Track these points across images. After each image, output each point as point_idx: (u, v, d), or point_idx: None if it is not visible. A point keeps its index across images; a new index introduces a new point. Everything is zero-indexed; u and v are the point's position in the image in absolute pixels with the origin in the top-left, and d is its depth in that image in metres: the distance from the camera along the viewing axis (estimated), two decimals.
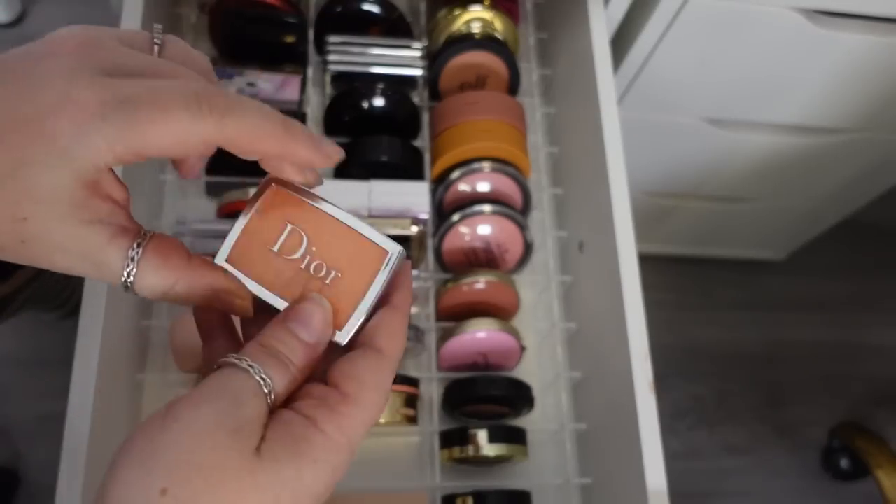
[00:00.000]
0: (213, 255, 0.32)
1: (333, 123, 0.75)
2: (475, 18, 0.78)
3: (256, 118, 0.28)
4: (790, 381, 1.42)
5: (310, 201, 0.32)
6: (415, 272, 0.73)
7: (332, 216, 0.32)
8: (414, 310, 0.72)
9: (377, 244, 0.31)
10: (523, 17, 0.86)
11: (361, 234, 0.32)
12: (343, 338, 0.31)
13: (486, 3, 0.78)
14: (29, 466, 1.13)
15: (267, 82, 0.74)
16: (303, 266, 0.31)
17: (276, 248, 0.31)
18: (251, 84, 0.74)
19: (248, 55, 0.75)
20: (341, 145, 0.79)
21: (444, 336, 0.70)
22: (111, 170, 0.29)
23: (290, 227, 0.32)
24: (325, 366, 0.30)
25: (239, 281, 0.31)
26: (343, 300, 0.31)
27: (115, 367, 0.60)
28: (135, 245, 0.29)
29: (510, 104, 0.75)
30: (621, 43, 0.86)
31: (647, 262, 0.75)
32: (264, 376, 0.27)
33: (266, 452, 0.26)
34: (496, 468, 0.70)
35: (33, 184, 0.27)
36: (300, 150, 0.30)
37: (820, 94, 0.93)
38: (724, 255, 1.46)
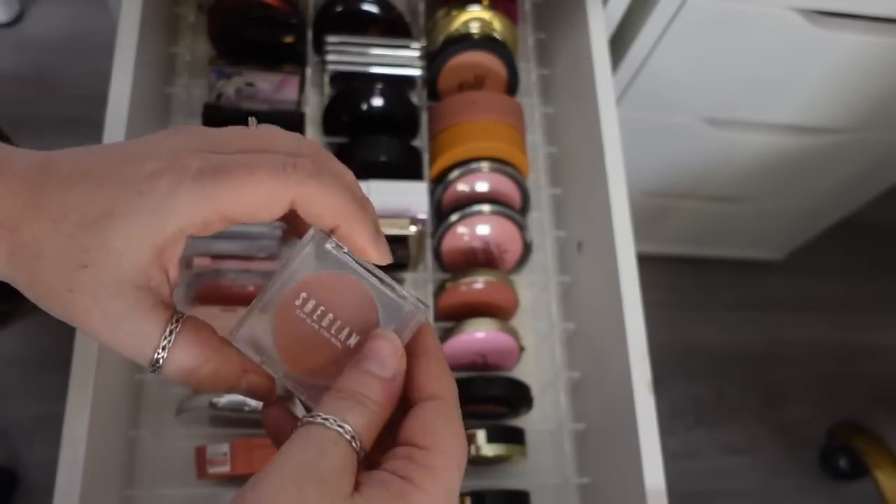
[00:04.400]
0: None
1: (332, 123, 0.75)
2: (474, 18, 0.78)
3: (336, 190, 0.30)
4: (789, 381, 1.42)
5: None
6: (413, 273, 0.73)
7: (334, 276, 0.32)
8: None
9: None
10: (522, 17, 0.86)
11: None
12: None
13: (485, 2, 0.78)
14: (27, 466, 1.13)
15: (265, 82, 0.74)
16: (331, 339, 0.32)
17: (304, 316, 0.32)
18: (250, 84, 0.74)
19: (247, 55, 0.75)
20: (340, 145, 0.79)
21: (443, 336, 0.70)
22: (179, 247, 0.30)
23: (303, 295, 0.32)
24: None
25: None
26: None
27: (113, 367, 0.60)
28: (174, 319, 0.30)
29: (509, 104, 0.75)
30: (620, 43, 0.86)
31: (646, 262, 0.75)
32: (342, 423, 0.28)
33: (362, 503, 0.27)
34: (495, 468, 0.70)
35: (110, 234, 0.28)
36: (360, 238, 0.31)
37: (818, 94, 0.93)
38: (722, 255, 1.46)
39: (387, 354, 0.30)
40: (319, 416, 0.28)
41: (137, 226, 0.29)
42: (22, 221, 0.28)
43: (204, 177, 0.29)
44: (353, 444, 0.28)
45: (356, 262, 0.31)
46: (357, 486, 0.28)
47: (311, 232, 0.31)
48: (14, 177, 0.29)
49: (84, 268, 0.28)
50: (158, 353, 0.29)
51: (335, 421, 0.28)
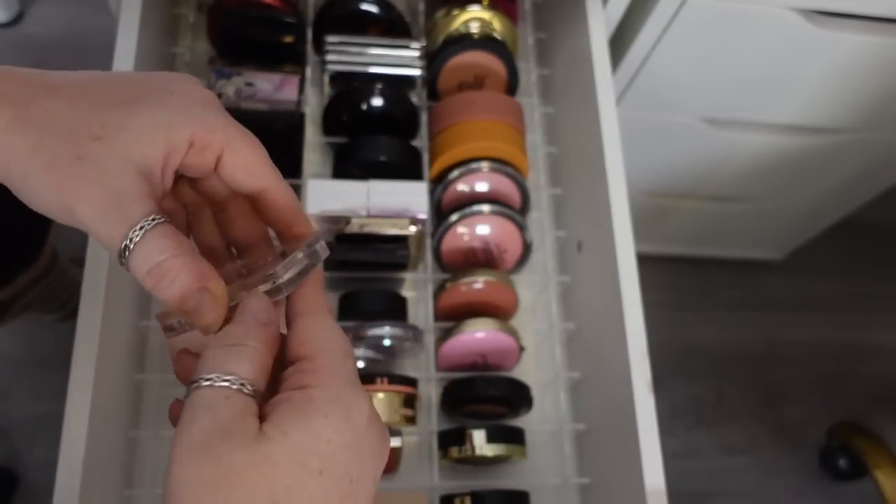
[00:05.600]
0: None
1: (332, 123, 0.75)
2: (473, 18, 0.78)
3: (289, 192, 0.35)
4: (789, 381, 1.42)
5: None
6: (413, 273, 0.73)
7: None
8: (413, 308, 0.73)
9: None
10: (522, 17, 0.86)
11: None
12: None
13: (485, 2, 0.78)
14: (27, 466, 1.13)
15: (265, 82, 0.74)
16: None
17: None
18: (249, 84, 0.74)
19: (247, 55, 0.75)
20: (340, 145, 0.79)
21: (443, 336, 0.70)
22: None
23: None
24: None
25: (223, 290, 0.32)
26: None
27: (113, 367, 0.60)
28: (160, 214, 0.30)
29: (509, 104, 0.75)
30: (620, 43, 0.86)
31: (646, 262, 0.75)
32: (225, 377, 0.28)
33: (272, 431, 0.27)
34: (494, 468, 0.70)
35: (133, 115, 0.30)
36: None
37: (818, 95, 0.93)
38: (722, 255, 1.46)
39: (258, 306, 0.32)
40: (202, 378, 0.28)
41: (163, 114, 0.31)
42: (34, 97, 0.30)
43: (227, 119, 0.33)
44: (245, 390, 0.28)
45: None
46: (264, 420, 0.28)
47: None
48: (17, 77, 0.30)
49: (98, 139, 0.29)
50: (134, 232, 0.29)
51: (219, 377, 0.28)
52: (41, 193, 0.29)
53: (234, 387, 0.28)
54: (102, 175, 0.29)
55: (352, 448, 0.28)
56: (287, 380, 0.30)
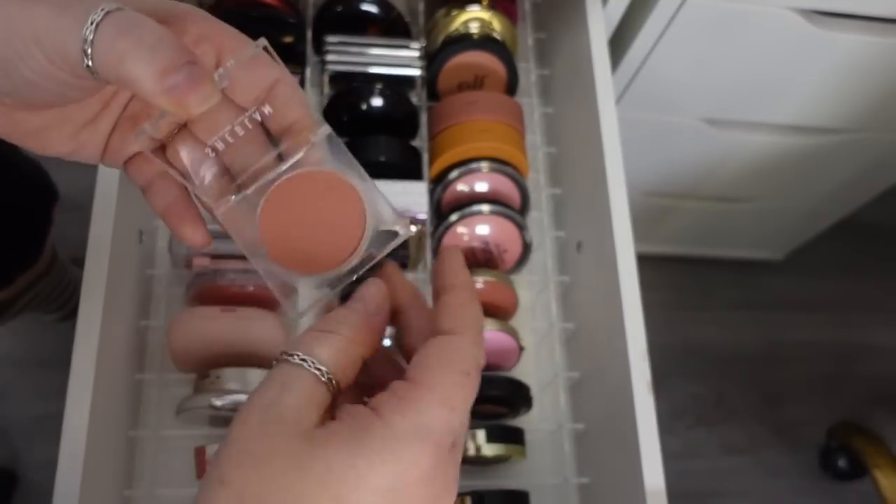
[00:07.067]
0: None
1: (331, 123, 0.74)
2: (473, 18, 0.78)
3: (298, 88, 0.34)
4: (789, 381, 1.42)
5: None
6: (413, 273, 0.73)
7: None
8: None
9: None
10: (521, 17, 0.86)
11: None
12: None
13: (485, 3, 0.78)
14: (27, 466, 1.13)
15: None
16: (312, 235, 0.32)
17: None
18: None
19: None
20: None
21: None
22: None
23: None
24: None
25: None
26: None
27: (112, 367, 0.60)
28: (116, 5, 0.26)
29: (508, 104, 0.75)
30: (619, 43, 0.86)
31: (646, 262, 0.75)
32: (306, 357, 0.27)
33: (320, 438, 0.26)
34: (494, 468, 0.70)
35: None
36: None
37: (818, 95, 0.93)
38: (722, 255, 1.46)
39: (370, 293, 0.30)
40: (288, 353, 0.28)
41: None
42: None
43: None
44: (321, 377, 0.27)
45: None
46: (332, 419, 0.27)
47: (325, 127, 0.33)
48: None
49: None
50: (87, 30, 0.25)
51: (299, 356, 0.28)
52: (10, 30, 0.26)
53: (311, 369, 0.27)
54: None
55: (392, 498, 0.25)
56: (381, 393, 0.28)
